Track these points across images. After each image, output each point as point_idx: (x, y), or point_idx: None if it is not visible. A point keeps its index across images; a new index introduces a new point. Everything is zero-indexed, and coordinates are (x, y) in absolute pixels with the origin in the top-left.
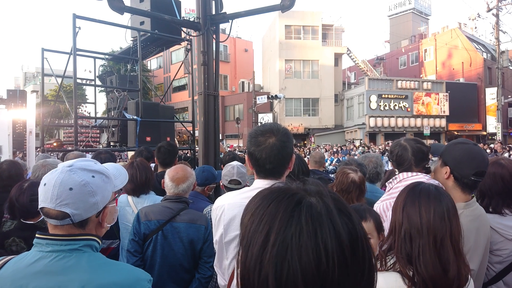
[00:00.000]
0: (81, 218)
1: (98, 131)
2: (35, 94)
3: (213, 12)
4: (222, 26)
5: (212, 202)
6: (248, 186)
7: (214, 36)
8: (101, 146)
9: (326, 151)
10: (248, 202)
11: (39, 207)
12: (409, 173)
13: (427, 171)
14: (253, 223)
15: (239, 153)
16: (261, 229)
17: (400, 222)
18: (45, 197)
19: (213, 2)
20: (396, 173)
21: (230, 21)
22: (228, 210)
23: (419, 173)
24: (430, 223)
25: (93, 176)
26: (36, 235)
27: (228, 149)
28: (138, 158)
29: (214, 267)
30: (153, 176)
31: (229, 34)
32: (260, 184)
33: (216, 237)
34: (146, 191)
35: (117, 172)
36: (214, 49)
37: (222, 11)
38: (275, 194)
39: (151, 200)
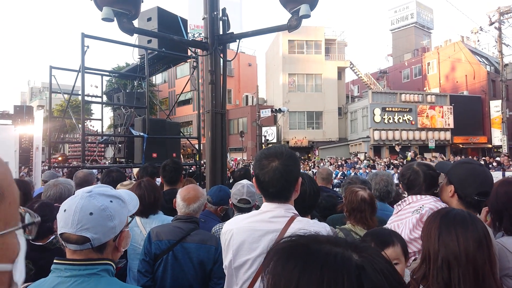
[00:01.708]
0: (100, 242)
1: (103, 145)
2: (42, 110)
3: (221, 32)
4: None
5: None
6: (257, 204)
7: (222, 55)
8: (106, 161)
9: (330, 164)
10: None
11: (59, 232)
12: (418, 196)
13: (436, 195)
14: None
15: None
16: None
17: (436, 250)
18: (66, 223)
19: (221, 22)
20: (405, 195)
21: (237, 40)
22: (236, 235)
23: (427, 195)
24: (469, 250)
25: (111, 201)
26: (55, 261)
27: (232, 162)
28: (145, 178)
29: None
30: (161, 195)
31: (236, 53)
32: (268, 208)
33: (225, 262)
34: (155, 212)
35: (129, 197)
36: (221, 66)
37: (229, 31)
38: (319, 258)
39: (159, 220)
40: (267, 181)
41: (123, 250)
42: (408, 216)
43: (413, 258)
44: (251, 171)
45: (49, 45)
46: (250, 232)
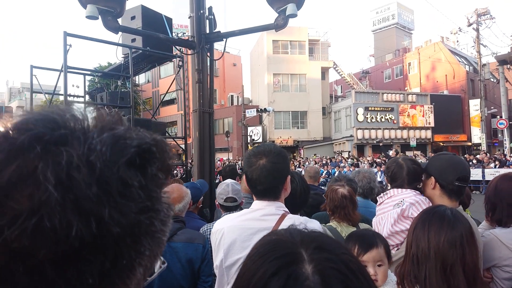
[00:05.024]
0: None
1: None
2: (21, 111)
3: (207, 31)
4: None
5: (205, 219)
6: (244, 203)
7: (208, 53)
8: None
9: (315, 163)
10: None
11: None
12: (399, 190)
13: (419, 191)
14: (240, 272)
15: None
16: (242, 283)
17: (410, 244)
18: None
19: (207, 21)
20: (388, 188)
21: (224, 39)
22: (227, 234)
23: (408, 189)
24: (438, 248)
25: None
26: None
27: (218, 162)
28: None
29: None
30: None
31: (223, 53)
32: (258, 206)
33: (216, 262)
34: None
35: None
36: (208, 65)
37: (216, 30)
38: (265, 247)
39: None
40: (255, 179)
41: None
42: (389, 210)
43: (395, 248)
44: (237, 168)
45: (28, 44)
46: (242, 231)
